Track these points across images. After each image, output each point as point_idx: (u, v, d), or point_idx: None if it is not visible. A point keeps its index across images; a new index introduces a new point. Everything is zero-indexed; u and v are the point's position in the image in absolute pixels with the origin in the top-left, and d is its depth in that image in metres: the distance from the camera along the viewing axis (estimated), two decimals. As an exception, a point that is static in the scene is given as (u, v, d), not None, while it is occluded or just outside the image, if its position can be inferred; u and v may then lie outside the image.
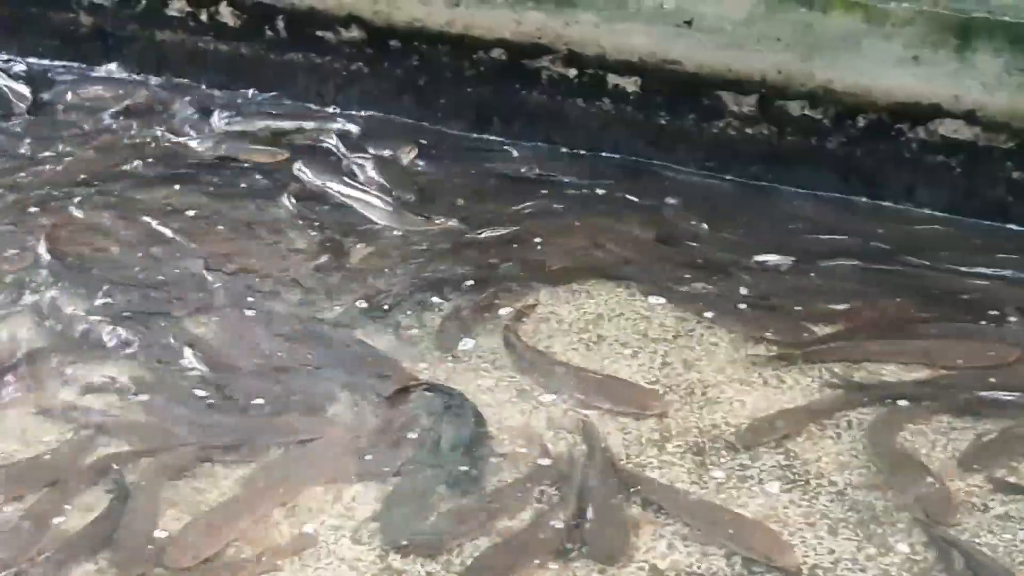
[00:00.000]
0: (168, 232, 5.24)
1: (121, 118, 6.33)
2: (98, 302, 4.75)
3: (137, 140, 6.12)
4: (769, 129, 5.56)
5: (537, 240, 5.23)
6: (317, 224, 5.34)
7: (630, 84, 5.72)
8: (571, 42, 5.76)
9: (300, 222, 5.37)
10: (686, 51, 5.54)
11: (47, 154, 5.97)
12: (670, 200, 5.54)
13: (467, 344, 4.55)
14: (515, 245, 5.21)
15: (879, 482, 3.85)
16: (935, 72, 5.18)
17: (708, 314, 4.73)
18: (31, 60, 6.95)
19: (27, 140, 6.10)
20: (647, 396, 4.29)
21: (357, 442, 4.03)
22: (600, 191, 5.64)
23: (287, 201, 5.47)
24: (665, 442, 4.04)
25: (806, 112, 5.45)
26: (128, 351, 4.47)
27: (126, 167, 5.85)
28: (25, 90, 6.51)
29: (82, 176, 5.74)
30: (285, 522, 3.71)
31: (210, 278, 4.91)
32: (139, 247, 5.16)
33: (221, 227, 5.35)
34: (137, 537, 3.62)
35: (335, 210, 5.49)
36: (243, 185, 5.71)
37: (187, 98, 6.46)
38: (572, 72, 5.81)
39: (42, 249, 5.06)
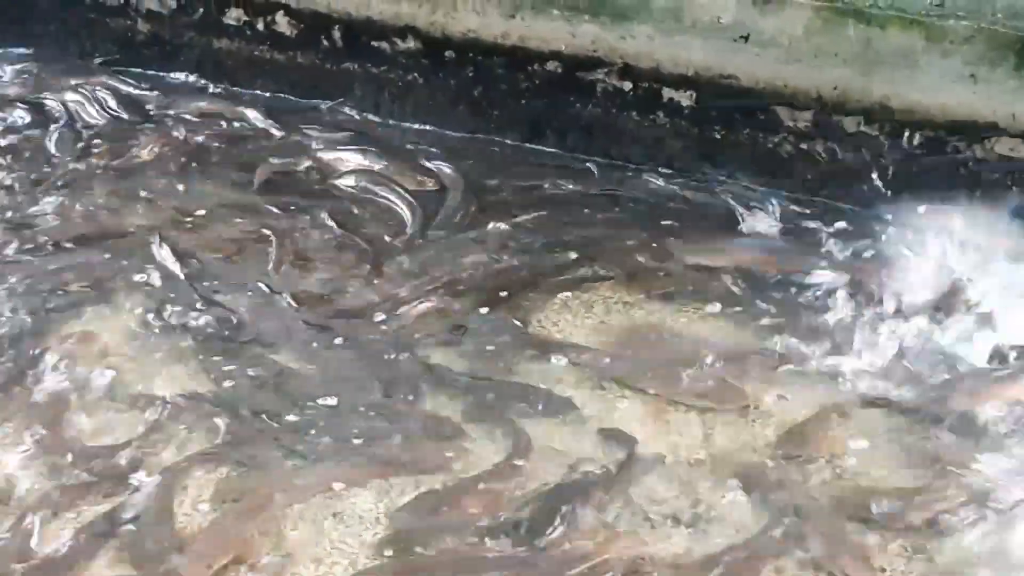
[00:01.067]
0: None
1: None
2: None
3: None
4: (824, 145, 5.55)
5: (587, 254, 5.23)
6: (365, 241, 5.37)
7: (685, 98, 5.73)
8: (626, 55, 5.77)
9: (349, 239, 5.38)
10: (742, 66, 5.54)
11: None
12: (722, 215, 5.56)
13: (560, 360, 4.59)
14: (566, 259, 5.21)
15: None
16: (993, 90, 5.16)
17: (763, 333, 4.74)
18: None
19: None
20: (732, 391, 4.36)
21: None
22: (654, 205, 5.65)
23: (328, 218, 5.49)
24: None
25: (862, 128, 5.44)
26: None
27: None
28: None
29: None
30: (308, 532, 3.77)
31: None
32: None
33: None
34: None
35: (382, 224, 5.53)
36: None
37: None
38: (627, 85, 5.82)
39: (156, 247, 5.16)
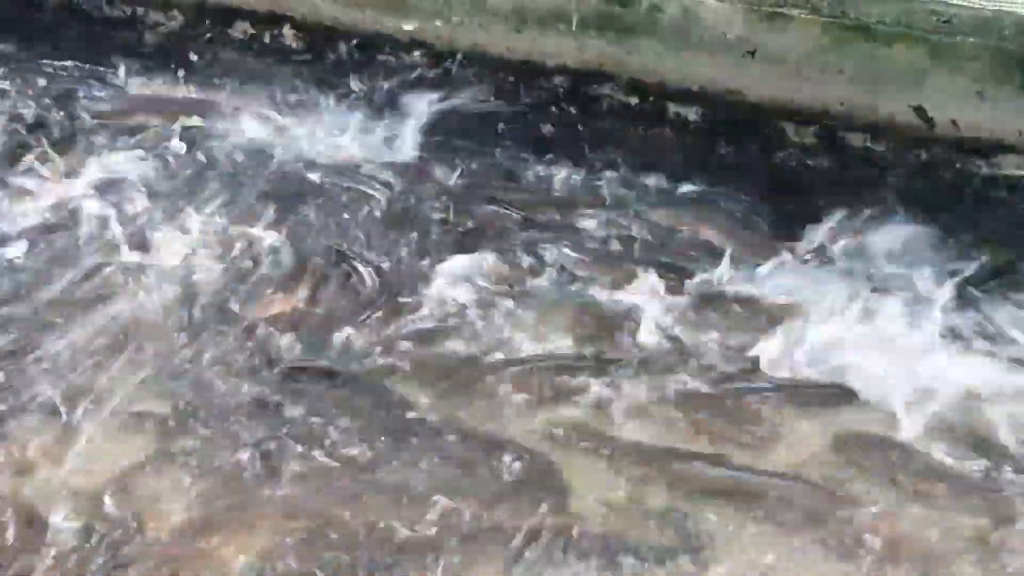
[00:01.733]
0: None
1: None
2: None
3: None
4: (830, 161, 5.54)
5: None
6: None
7: (691, 113, 5.72)
8: (633, 70, 5.77)
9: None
10: (749, 81, 5.54)
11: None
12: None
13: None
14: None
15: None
16: (1000, 108, 5.16)
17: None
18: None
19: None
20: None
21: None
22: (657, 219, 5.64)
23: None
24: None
25: (868, 144, 5.44)
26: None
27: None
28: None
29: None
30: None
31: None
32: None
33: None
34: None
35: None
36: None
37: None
38: (633, 100, 5.82)
39: None
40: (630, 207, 5.52)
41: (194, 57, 6.64)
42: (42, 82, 6.54)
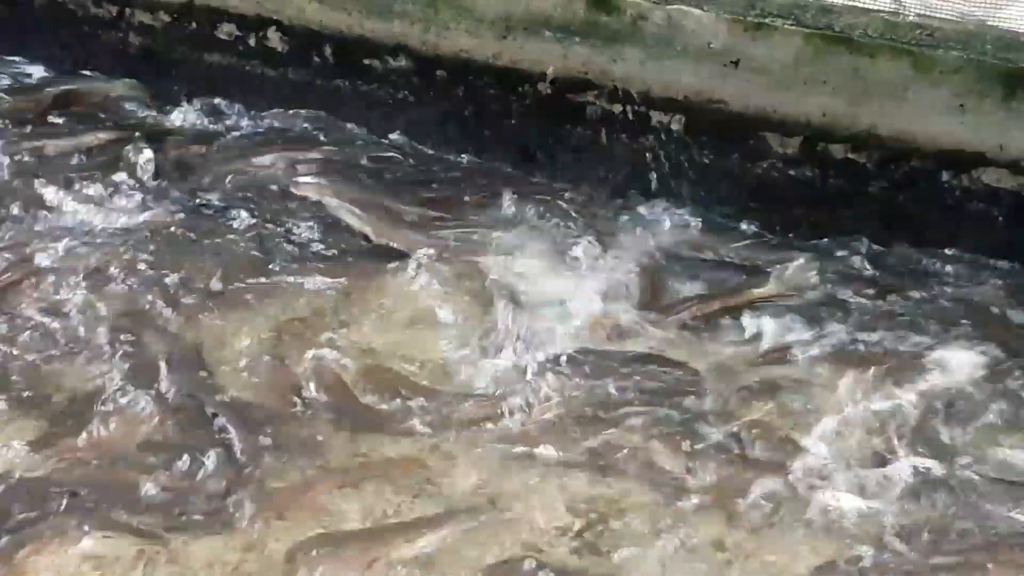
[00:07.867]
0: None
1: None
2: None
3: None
4: (812, 172, 5.55)
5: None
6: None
7: (674, 122, 5.73)
8: (617, 78, 5.77)
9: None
10: (732, 91, 5.55)
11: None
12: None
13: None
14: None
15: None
16: (981, 121, 5.17)
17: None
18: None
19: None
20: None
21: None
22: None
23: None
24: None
25: (850, 156, 5.45)
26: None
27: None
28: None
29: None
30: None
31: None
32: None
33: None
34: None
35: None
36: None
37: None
38: (617, 108, 5.82)
39: None
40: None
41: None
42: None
